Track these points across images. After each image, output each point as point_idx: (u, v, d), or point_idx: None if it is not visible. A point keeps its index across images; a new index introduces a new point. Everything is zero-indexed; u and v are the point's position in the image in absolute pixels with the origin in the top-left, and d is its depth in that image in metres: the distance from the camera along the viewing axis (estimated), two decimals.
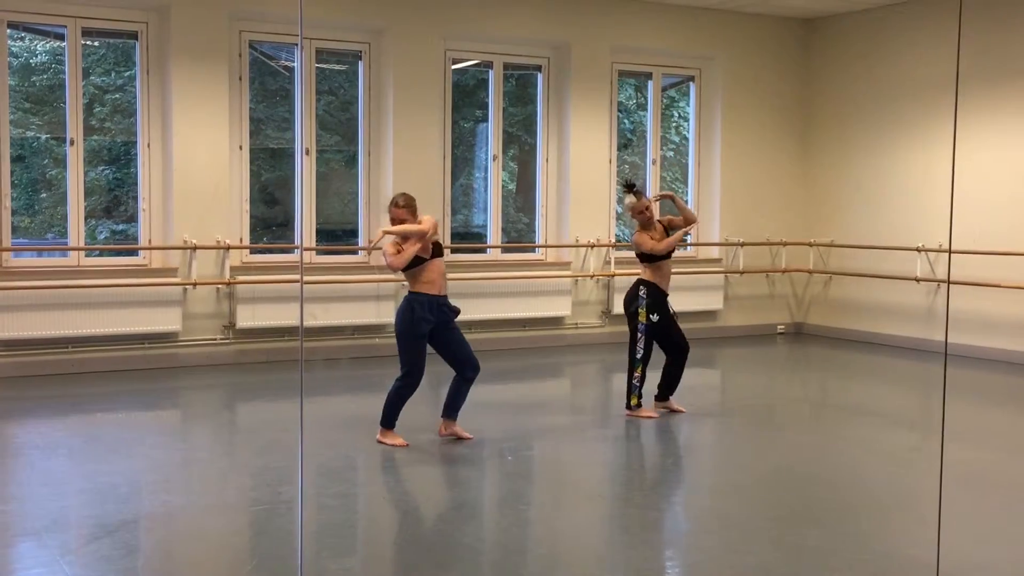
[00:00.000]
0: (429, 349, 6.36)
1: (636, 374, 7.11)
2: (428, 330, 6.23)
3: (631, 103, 11.93)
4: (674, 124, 12.17)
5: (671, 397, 7.42)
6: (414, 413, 6.67)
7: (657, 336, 7.17)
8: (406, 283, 6.32)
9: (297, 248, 9.73)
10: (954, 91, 10.04)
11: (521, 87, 11.07)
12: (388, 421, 6.39)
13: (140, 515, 5.09)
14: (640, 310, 7.05)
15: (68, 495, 5.34)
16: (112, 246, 9.45)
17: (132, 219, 9.29)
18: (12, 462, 6.13)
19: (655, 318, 7.05)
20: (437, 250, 6.28)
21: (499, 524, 5.11)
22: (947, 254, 10.25)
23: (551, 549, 4.83)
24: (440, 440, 6.52)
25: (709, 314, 11.31)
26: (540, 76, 10.75)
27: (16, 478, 5.78)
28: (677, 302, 10.87)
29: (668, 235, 7.16)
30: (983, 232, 9.87)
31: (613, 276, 10.75)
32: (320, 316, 9.31)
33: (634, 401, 7.15)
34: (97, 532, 4.73)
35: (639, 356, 7.08)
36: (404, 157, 9.80)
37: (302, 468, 5.68)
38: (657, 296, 7.08)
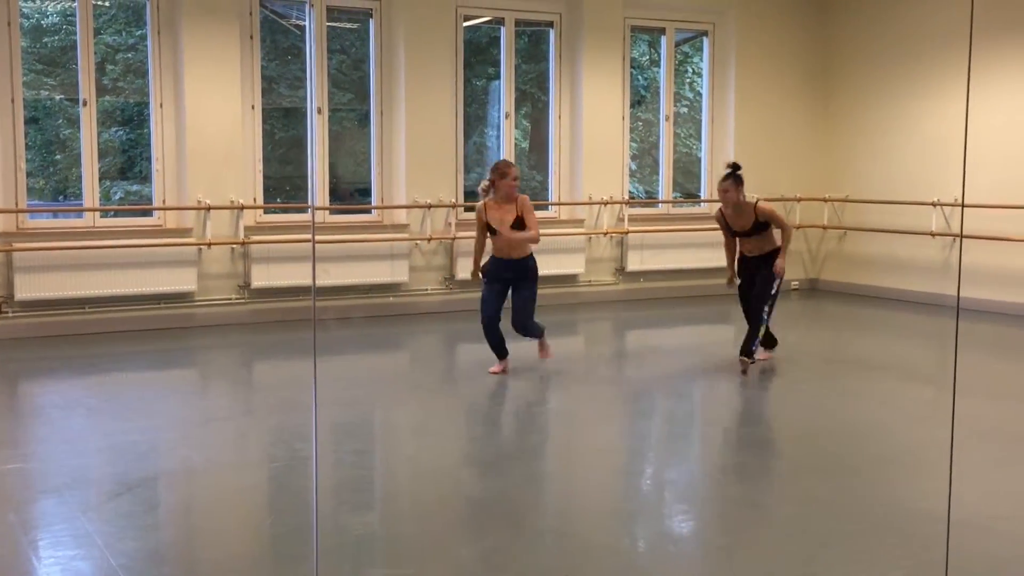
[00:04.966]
0: None
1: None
2: (492, 282, 7.04)
3: (644, 59, 11.85)
4: (688, 80, 12.08)
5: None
6: (427, 371, 6.71)
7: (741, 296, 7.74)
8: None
9: (310, 208, 9.73)
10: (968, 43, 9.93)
11: (533, 44, 11.00)
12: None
13: (159, 472, 5.16)
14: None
15: (88, 453, 5.42)
16: (127, 207, 9.49)
17: (146, 180, 9.32)
18: (32, 421, 6.21)
19: (737, 281, 7.72)
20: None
21: (514, 479, 5.16)
22: (961, 208, 10.18)
23: (565, 504, 4.88)
24: (456, 397, 6.58)
25: (723, 270, 11.25)
26: (552, 33, 10.68)
27: (37, 436, 5.86)
28: (692, 259, 10.86)
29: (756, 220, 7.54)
30: (998, 186, 9.81)
31: (627, 233, 10.73)
32: (332, 273, 9.34)
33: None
34: (117, 488, 4.80)
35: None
36: (416, 115, 9.78)
37: (316, 424, 5.74)
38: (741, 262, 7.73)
